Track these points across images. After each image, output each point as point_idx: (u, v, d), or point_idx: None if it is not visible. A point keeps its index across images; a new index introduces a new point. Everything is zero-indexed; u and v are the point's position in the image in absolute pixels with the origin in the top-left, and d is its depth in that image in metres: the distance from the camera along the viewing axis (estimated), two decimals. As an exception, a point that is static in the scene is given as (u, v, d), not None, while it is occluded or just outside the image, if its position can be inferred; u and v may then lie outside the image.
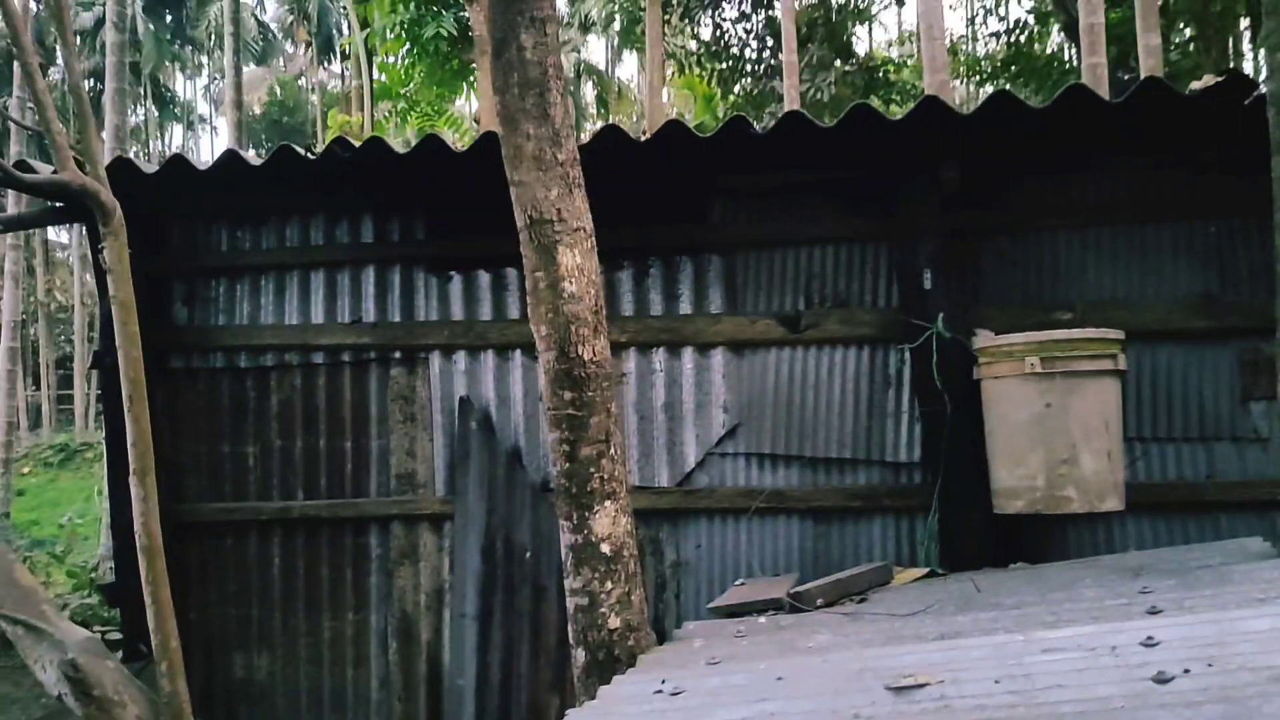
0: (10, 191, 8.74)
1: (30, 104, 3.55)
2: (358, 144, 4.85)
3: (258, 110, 42.90)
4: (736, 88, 22.48)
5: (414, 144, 4.86)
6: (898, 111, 4.58)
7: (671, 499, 5.01)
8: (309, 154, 4.94)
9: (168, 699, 3.16)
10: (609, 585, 3.51)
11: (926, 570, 4.47)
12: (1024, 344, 4.31)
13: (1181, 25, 17.87)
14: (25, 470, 25.79)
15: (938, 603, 3.64)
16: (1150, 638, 2.44)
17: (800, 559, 4.91)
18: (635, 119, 31.67)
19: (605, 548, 3.52)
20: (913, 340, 4.71)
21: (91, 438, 29.37)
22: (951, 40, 23.90)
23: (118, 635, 5.72)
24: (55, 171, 3.50)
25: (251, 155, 5.16)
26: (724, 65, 21.88)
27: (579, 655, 3.55)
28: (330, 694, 5.30)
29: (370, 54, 24.81)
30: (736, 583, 4.75)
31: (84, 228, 5.33)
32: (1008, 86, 18.26)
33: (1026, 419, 4.30)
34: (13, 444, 16.04)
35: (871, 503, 4.86)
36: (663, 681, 2.85)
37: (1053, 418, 4.26)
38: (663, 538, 5.05)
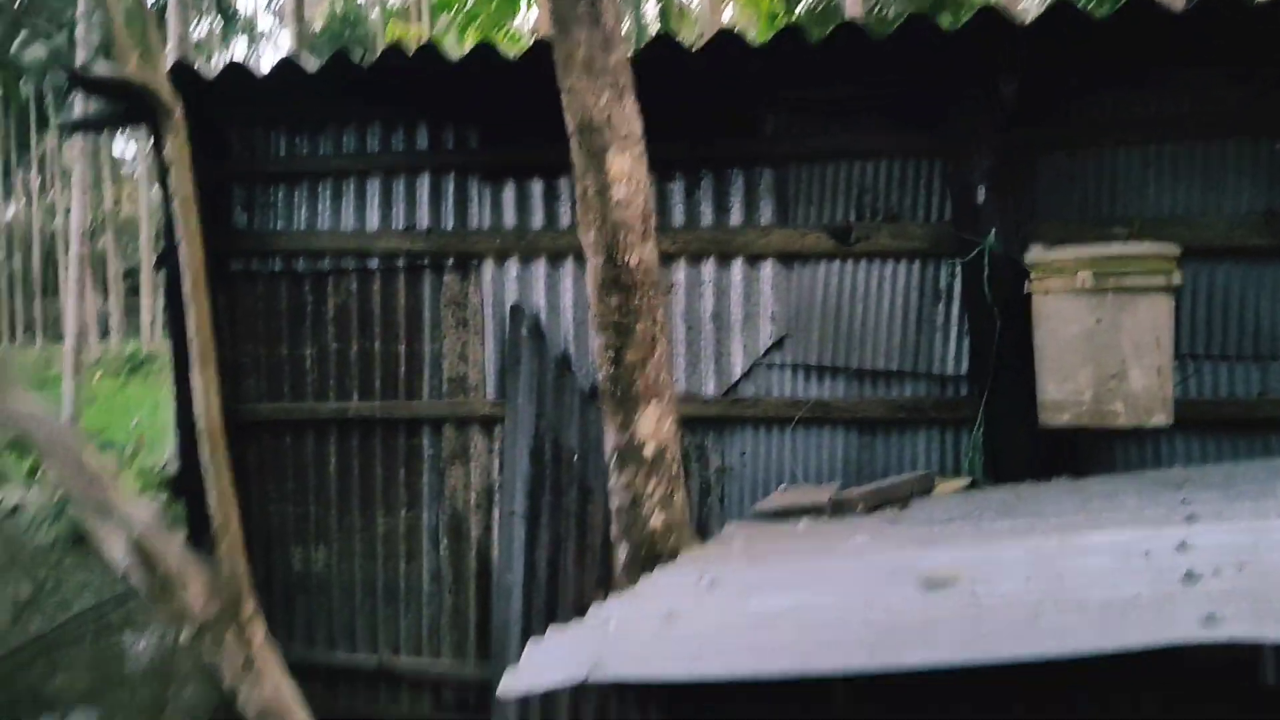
0: (78, 99, 8.91)
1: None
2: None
3: (319, 25, 42.78)
4: (800, 5, 22.02)
5: (467, 51, 4.87)
6: (962, 26, 4.47)
7: (718, 408, 5.07)
8: (362, 61, 4.97)
9: (228, 579, 3.31)
10: (651, 485, 3.59)
11: (969, 480, 4.50)
12: (1076, 259, 4.25)
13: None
14: (95, 377, 26.50)
15: (978, 510, 3.67)
16: (1184, 543, 2.46)
17: (844, 469, 4.95)
18: (699, 38, 31.14)
19: (648, 449, 3.59)
20: (964, 255, 4.68)
21: (159, 348, 30.00)
22: (1024, -46, 23.12)
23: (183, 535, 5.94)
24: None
25: (309, 60, 5.21)
26: (788, -19, 21.44)
27: (622, 551, 3.64)
28: (384, 587, 5.49)
29: (430, -34, 24.65)
30: (780, 488, 4.82)
31: (151, 139, 5.41)
32: None
33: (1077, 334, 4.27)
34: (83, 350, 16.50)
35: (917, 414, 4.87)
36: (701, 574, 2.93)
37: (1103, 333, 4.22)
38: (708, 445, 5.12)
